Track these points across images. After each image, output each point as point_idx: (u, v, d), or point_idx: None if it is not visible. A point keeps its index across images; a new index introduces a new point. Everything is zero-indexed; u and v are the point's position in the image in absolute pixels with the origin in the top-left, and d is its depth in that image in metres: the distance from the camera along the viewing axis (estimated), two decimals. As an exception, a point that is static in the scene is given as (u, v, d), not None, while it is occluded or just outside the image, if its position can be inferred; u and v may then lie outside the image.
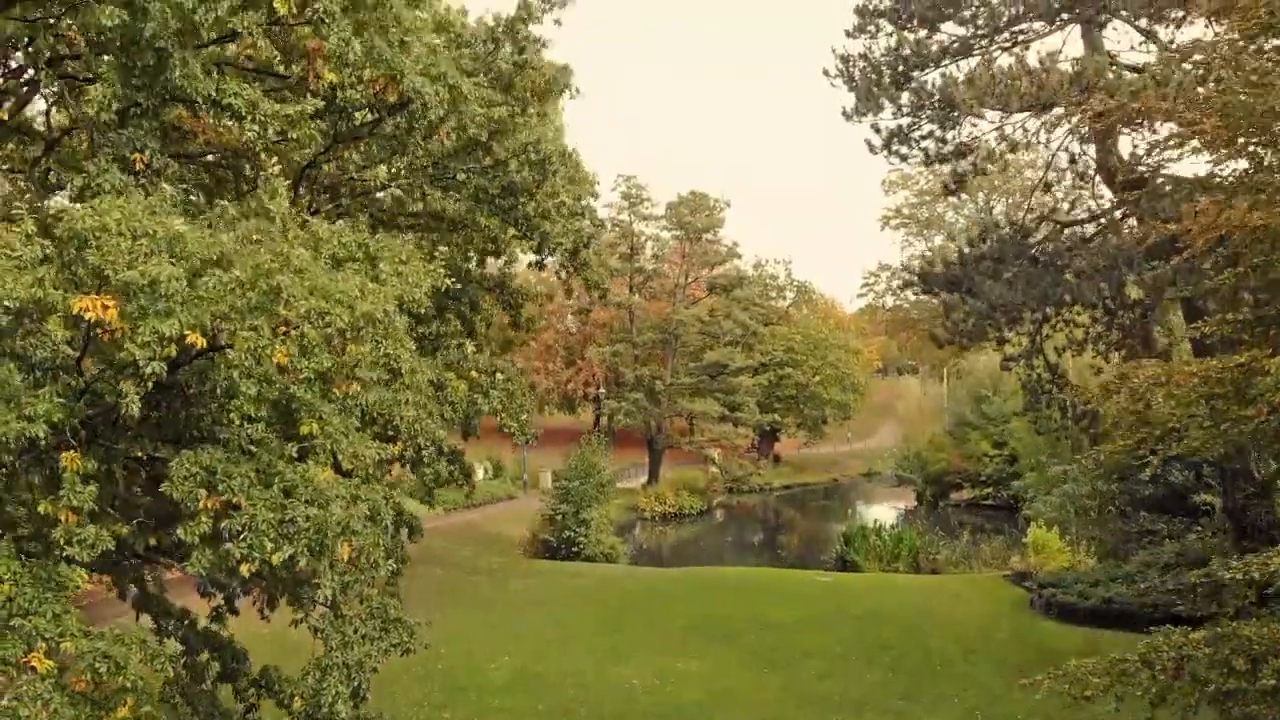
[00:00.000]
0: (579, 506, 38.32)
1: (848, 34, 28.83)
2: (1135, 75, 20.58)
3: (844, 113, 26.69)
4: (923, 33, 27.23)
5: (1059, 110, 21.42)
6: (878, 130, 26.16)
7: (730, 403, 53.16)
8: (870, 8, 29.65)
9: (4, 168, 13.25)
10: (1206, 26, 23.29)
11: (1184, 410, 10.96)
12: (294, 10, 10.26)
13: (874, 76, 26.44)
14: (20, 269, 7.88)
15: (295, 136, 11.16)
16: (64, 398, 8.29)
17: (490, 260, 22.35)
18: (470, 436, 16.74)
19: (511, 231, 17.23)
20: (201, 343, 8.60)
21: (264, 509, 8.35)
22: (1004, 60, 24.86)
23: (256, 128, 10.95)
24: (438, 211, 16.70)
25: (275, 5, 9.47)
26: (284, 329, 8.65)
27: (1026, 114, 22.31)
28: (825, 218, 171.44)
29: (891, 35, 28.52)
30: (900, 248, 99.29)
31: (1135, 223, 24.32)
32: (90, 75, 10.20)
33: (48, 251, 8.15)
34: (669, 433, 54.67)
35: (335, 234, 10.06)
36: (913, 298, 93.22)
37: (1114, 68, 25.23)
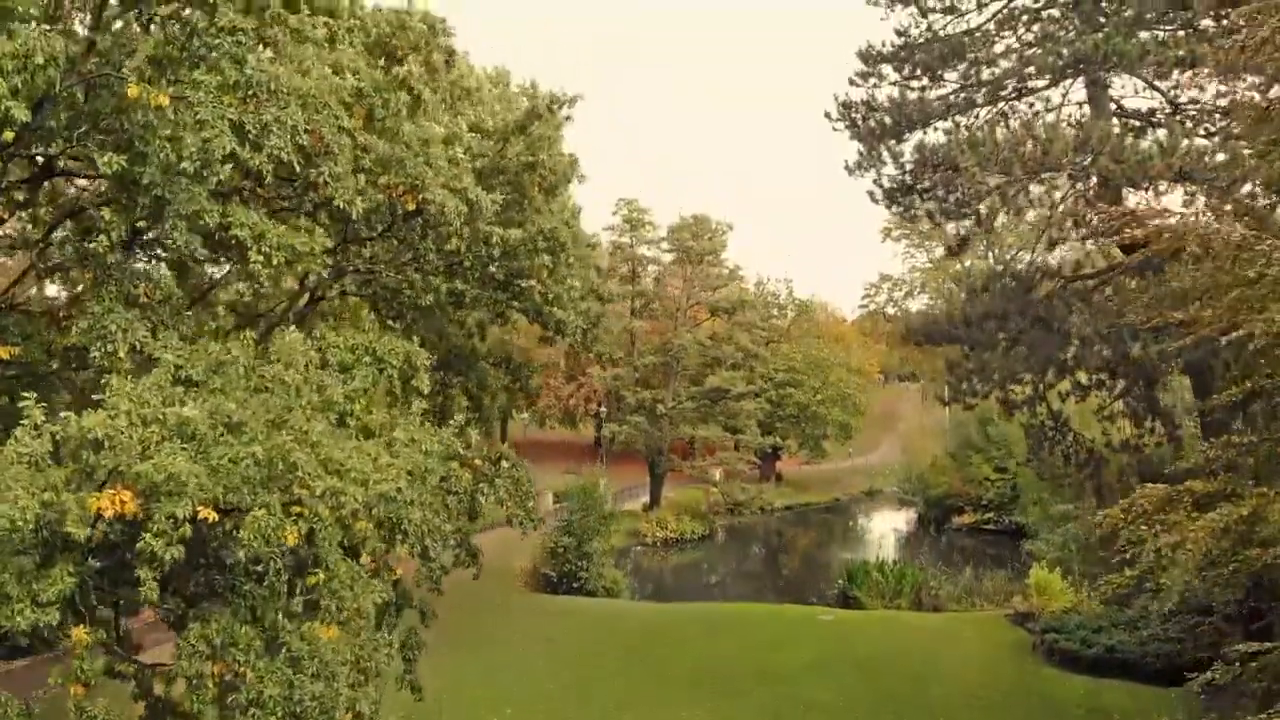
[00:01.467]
0: (581, 540, 38.34)
1: (851, 82, 28.80)
2: (1143, 143, 20.49)
3: (846, 167, 26.69)
4: (925, 80, 27.23)
5: (1063, 176, 21.41)
6: (880, 185, 26.16)
7: (732, 426, 53.17)
8: (873, 53, 29.64)
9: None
10: (1218, 82, 23.36)
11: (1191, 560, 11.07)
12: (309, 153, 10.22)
13: (876, 130, 26.45)
14: (31, 469, 7.89)
15: (301, 267, 11.21)
16: (75, 575, 8.31)
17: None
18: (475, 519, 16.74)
19: (519, 316, 17.27)
20: (213, 516, 8.65)
21: (271, 684, 8.37)
22: (1009, 124, 24.96)
23: (261, 258, 10.95)
24: (444, 300, 16.74)
25: (285, 155, 9.44)
26: (296, 508, 8.69)
27: (1030, 177, 22.27)
28: (827, 219, 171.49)
29: (895, 85, 28.53)
30: (902, 259, 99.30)
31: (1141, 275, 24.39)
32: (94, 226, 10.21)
33: (58, 442, 8.20)
34: (670, 456, 54.67)
35: (347, 395, 10.12)
36: (914, 309, 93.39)
37: (1119, 121, 25.26)
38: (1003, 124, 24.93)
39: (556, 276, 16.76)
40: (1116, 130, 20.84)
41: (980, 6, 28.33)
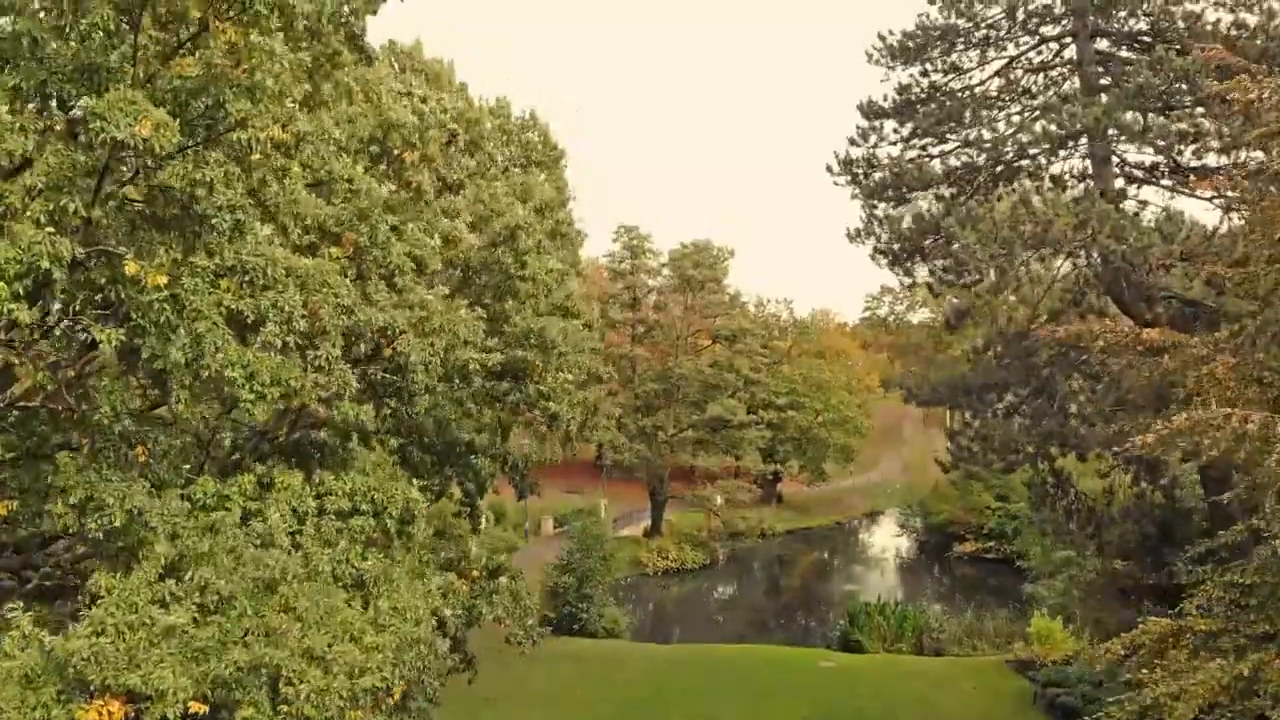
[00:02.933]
0: (582, 580, 38.36)
1: (851, 141, 28.74)
2: (1145, 220, 20.40)
3: (847, 234, 26.65)
4: (927, 140, 27.15)
5: (1062, 254, 21.35)
6: (881, 251, 26.11)
7: (733, 453, 53.16)
8: (875, 107, 29.56)
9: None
10: (1223, 157, 23.26)
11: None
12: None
13: (877, 190, 26.42)
14: (22, 687, 7.88)
15: (295, 404, 11.15)
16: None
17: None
18: (475, 626, 16.75)
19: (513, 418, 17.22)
20: (203, 709, 8.65)
21: None
22: (1011, 189, 24.87)
23: (252, 396, 10.89)
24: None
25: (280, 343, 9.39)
26: (285, 707, 8.69)
27: (1030, 254, 22.21)
28: (829, 217, 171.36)
29: (895, 144, 28.46)
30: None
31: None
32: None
33: (48, 653, 8.18)
34: (670, 483, 54.62)
35: (331, 559, 10.10)
36: (915, 321, 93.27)
37: (1121, 172, 25.13)
38: (1004, 190, 24.89)
39: (549, 369, 16.69)
40: (1121, 189, 20.63)
41: (982, 64, 28.31)
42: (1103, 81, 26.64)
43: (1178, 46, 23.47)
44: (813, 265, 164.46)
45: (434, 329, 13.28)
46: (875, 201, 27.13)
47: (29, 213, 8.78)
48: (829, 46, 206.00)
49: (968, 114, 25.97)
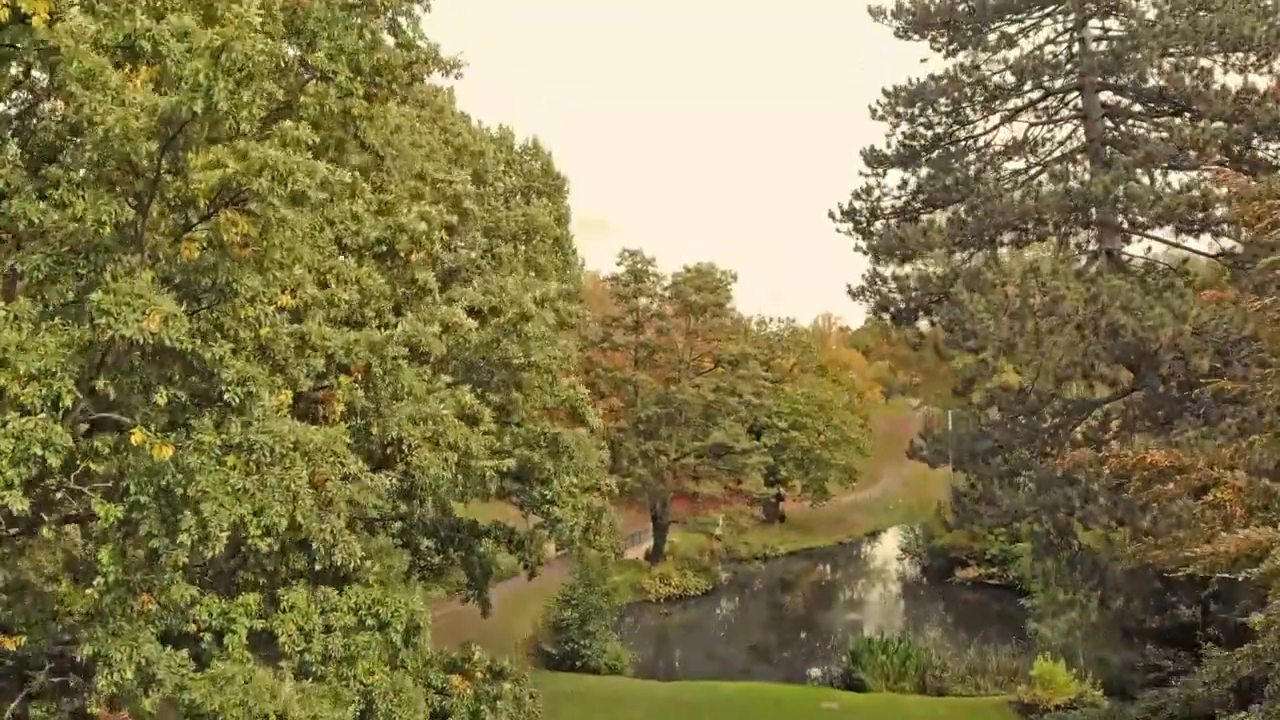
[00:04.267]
0: (584, 617, 38.30)
1: (855, 195, 28.64)
2: (1156, 307, 20.25)
3: (849, 292, 26.60)
4: (934, 199, 27.03)
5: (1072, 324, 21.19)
6: (885, 310, 26.03)
7: (735, 477, 53.09)
8: (878, 155, 29.43)
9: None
10: (1225, 237, 23.18)
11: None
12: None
13: (880, 250, 26.33)
14: None
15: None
16: None
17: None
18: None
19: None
20: None
21: None
22: (1014, 260, 24.82)
23: (259, 532, 10.80)
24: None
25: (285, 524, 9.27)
26: None
27: (1040, 323, 22.06)
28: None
29: (900, 198, 28.33)
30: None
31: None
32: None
33: None
34: (672, 508, 54.54)
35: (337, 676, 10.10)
36: (922, 327, 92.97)
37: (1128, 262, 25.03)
38: (1010, 250, 24.79)
39: (559, 472, 16.59)
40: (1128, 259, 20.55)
41: (987, 115, 28.14)
42: (1110, 134, 26.52)
43: (1187, 109, 23.36)
44: (813, 265, 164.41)
45: (449, 444, 13.22)
46: (879, 258, 27.03)
47: (24, 398, 8.68)
48: (829, 47, 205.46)
49: (972, 170, 25.84)
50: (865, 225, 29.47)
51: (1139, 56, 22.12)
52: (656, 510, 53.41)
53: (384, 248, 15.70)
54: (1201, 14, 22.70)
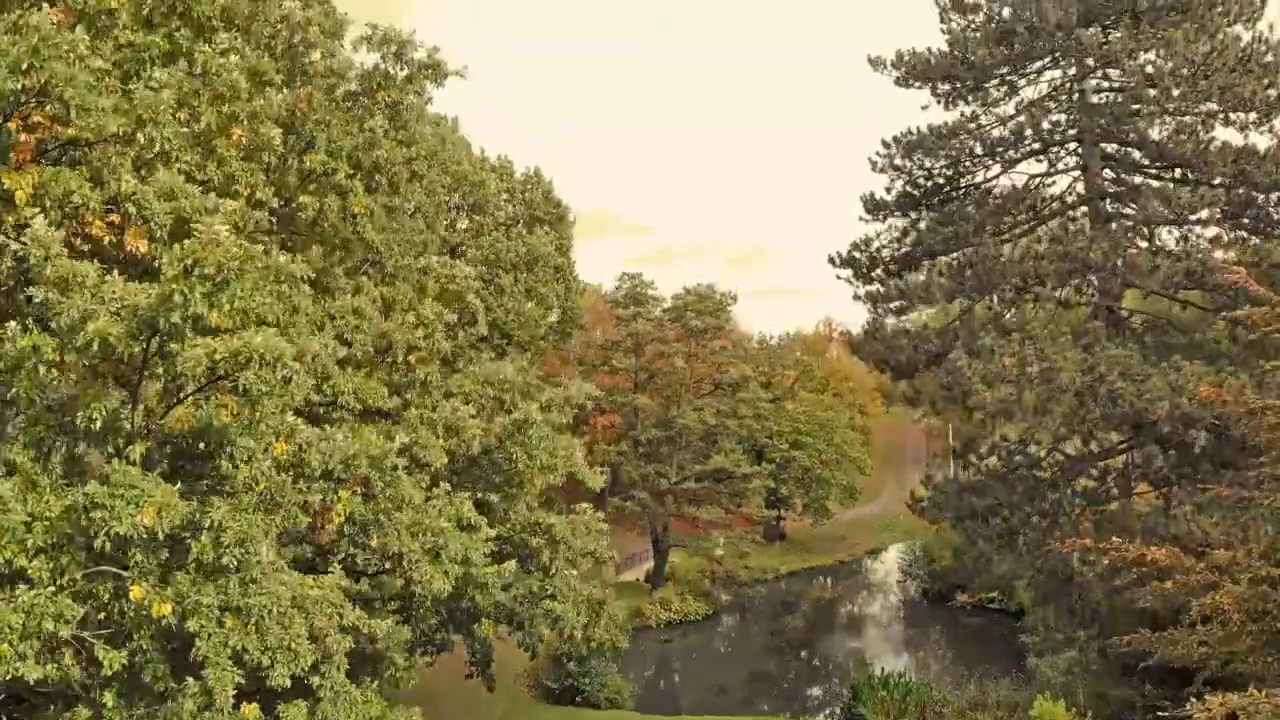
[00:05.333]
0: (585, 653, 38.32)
1: (854, 246, 28.67)
2: (1156, 380, 20.26)
3: (850, 343, 26.60)
4: (934, 259, 27.02)
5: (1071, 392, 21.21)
6: (887, 363, 26.05)
7: (736, 500, 53.07)
8: (878, 201, 29.45)
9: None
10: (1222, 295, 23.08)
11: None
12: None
13: (878, 306, 26.38)
14: None
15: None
16: None
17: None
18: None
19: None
20: None
21: None
22: (1019, 311, 24.78)
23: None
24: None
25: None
26: None
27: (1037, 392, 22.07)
28: (833, 219, 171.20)
29: (899, 247, 28.34)
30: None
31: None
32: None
33: None
34: (674, 522, 54.50)
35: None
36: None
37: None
38: (1012, 312, 24.78)
39: (557, 559, 16.56)
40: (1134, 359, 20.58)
41: (987, 166, 28.13)
42: (1110, 186, 26.51)
43: (1187, 168, 23.36)
44: (814, 266, 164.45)
45: (450, 557, 13.28)
46: (879, 308, 27.05)
47: (32, 571, 8.74)
48: (826, 70, 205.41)
49: (971, 224, 25.84)
50: (865, 272, 29.53)
51: (1140, 122, 22.09)
52: (657, 534, 53.44)
53: (385, 343, 15.70)
54: (1202, 76, 22.66)
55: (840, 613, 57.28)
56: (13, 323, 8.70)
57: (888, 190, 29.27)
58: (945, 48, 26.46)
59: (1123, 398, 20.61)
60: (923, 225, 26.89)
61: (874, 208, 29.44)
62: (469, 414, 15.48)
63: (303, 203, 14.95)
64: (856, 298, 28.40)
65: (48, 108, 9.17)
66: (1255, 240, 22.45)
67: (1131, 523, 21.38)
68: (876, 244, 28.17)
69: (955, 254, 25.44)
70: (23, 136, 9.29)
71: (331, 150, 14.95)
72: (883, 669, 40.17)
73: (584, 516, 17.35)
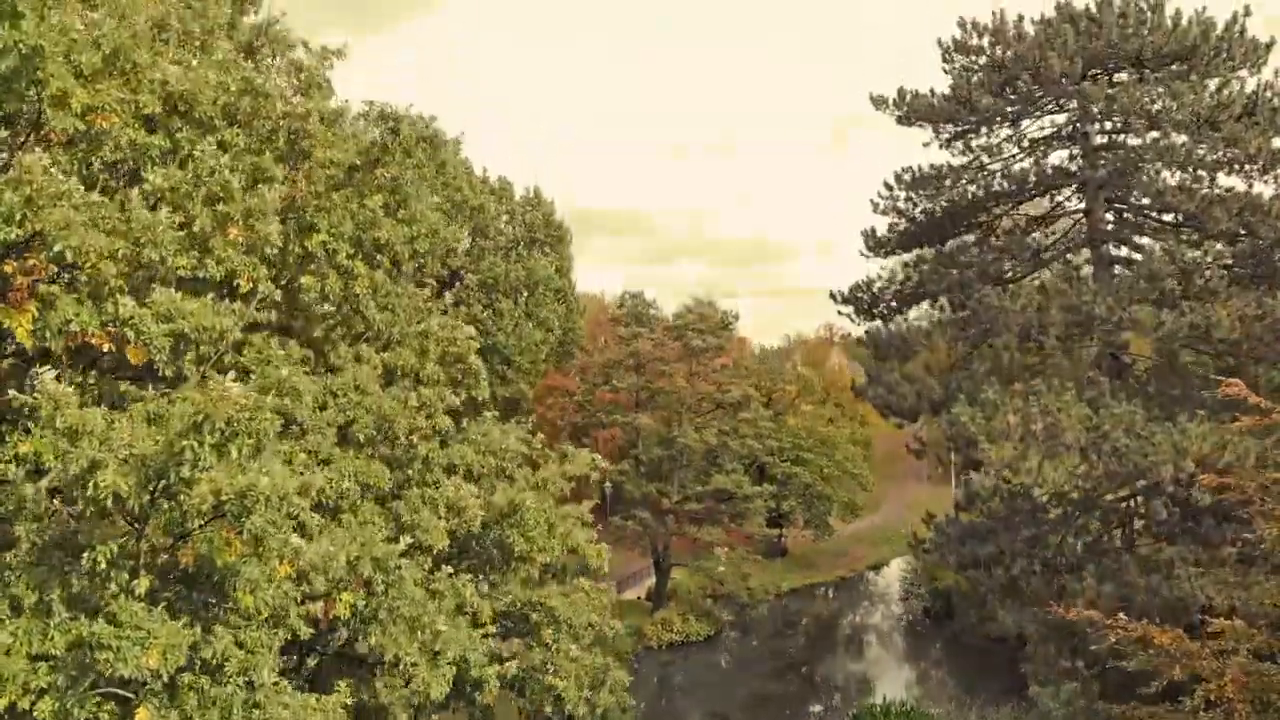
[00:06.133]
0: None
1: (855, 287, 28.62)
2: (1159, 438, 20.21)
3: (853, 387, 26.58)
4: (936, 301, 26.97)
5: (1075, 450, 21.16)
6: (890, 408, 26.00)
7: (738, 520, 53.00)
8: (879, 239, 29.39)
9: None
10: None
11: None
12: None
13: (880, 352, 26.32)
14: None
15: None
16: None
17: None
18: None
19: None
20: None
21: None
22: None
23: None
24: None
25: None
26: None
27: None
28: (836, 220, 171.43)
29: (901, 290, 28.28)
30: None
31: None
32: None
33: None
34: (674, 539, 54.44)
35: None
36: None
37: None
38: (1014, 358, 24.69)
39: (559, 636, 16.50)
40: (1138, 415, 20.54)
41: (988, 207, 28.05)
42: (1114, 230, 26.44)
43: (1192, 229, 23.32)
44: (814, 266, 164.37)
45: (449, 660, 13.28)
46: (881, 355, 27.00)
47: (38, 714, 8.70)
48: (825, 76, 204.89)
49: (973, 270, 25.77)
50: (867, 309, 29.50)
51: (1144, 175, 22.03)
52: (658, 552, 53.38)
53: (386, 425, 15.61)
54: (1207, 126, 22.59)
55: (841, 633, 57.28)
56: (13, 466, 8.68)
57: (890, 228, 29.23)
58: (948, 90, 26.37)
59: (1127, 455, 20.56)
60: (925, 267, 26.82)
61: (875, 246, 29.40)
62: (471, 492, 15.40)
63: (305, 284, 14.88)
64: (859, 341, 28.30)
65: (44, 254, 9.13)
66: (1259, 292, 22.37)
67: (1134, 579, 21.34)
68: (879, 284, 28.11)
69: (957, 298, 25.37)
70: (19, 279, 9.26)
71: (333, 232, 14.89)
72: (885, 696, 40.19)
73: (584, 586, 17.29)
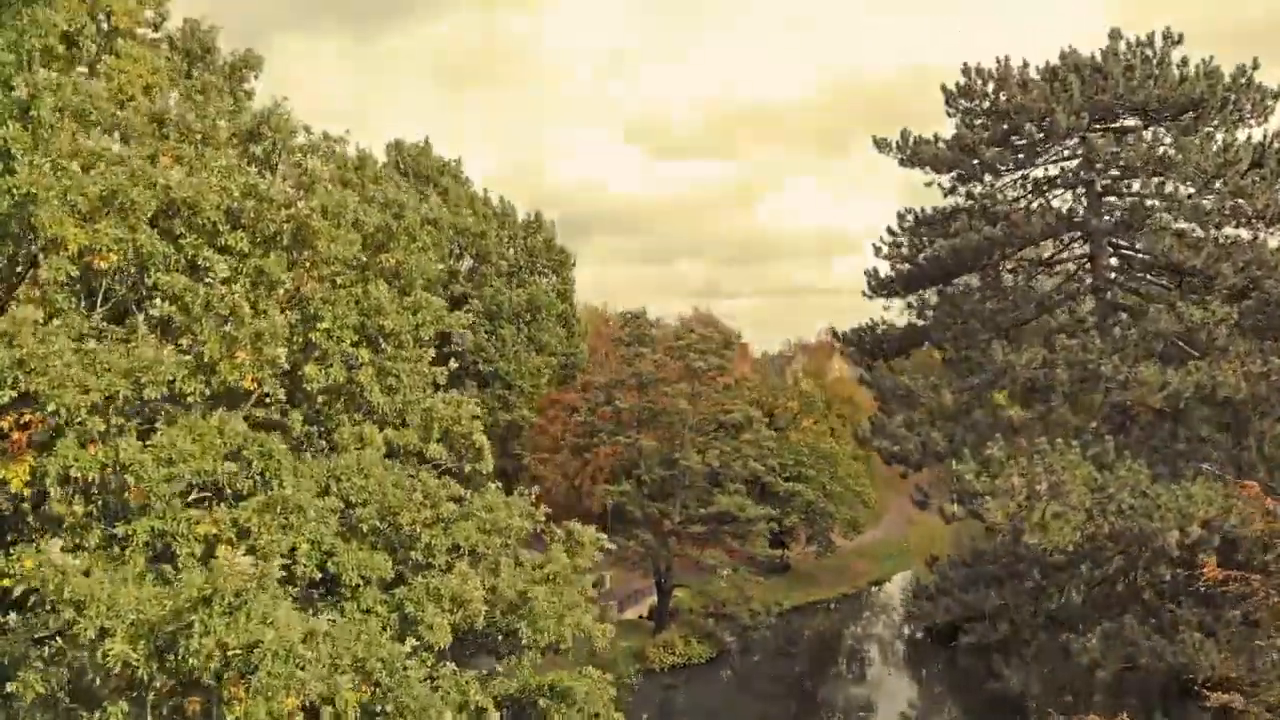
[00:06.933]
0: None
1: (858, 330, 28.55)
2: (1163, 501, 20.17)
3: (856, 437, 26.50)
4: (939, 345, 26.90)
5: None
6: (894, 457, 25.93)
7: (740, 540, 52.96)
8: (881, 280, 29.30)
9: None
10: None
11: None
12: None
13: (883, 404, 26.28)
14: None
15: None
16: None
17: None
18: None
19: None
20: None
21: None
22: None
23: None
24: None
25: None
26: None
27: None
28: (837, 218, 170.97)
29: (905, 335, 28.22)
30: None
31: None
32: None
33: None
34: (676, 567, 54.46)
35: None
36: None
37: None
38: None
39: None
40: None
41: (991, 255, 27.93)
42: (1119, 279, 26.34)
43: (1198, 281, 23.21)
44: (814, 266, 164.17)
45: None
46: (887, 401, 26.94)
47: None
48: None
49: (978, 320, 25.68)
50: (870, 351, 29.43)
51: (1149, 231, 21.95)
52: (660, 572, 53.36)
53: (390, 515, 15.53)
54: (1214, 179, 22.48)
55: (843, 654, 57.30)
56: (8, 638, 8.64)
57: (892, 268, 29.14)
58: (950, 138, 26.26)
59: (1132, 517, 20.51)
60: (929, 312, 26.73)
61: (878, 287, 29.30)
62: (475, 586, 15.28)
63: (309, 374, 14.79)
64: (863, 381, 28.28)
65: (39, 412, 9.09)
66: (1264, 348, 22.29)
67: (1138, 639, 21.30)
68: (881, 328, 28.03)
69: (961, 344, 25.30)
70: (15, 435, 9.21)
71: (338, 323, 14.82)
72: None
73: (593, 675, 17.20)
